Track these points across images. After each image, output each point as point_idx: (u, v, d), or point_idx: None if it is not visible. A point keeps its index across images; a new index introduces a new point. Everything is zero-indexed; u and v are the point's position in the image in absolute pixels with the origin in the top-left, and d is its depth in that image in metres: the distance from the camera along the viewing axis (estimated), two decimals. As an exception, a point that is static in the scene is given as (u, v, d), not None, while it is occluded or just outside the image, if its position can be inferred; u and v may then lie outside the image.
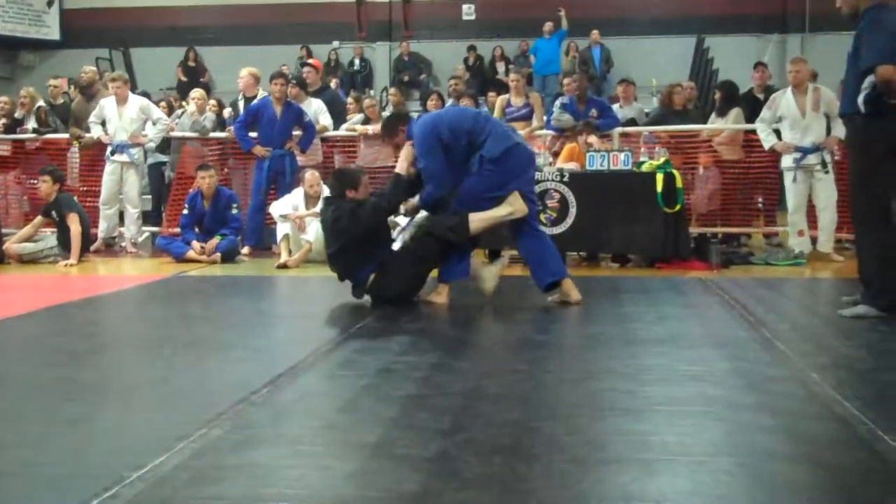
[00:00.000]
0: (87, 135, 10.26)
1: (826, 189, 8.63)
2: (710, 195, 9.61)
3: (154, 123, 10.12)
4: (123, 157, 10.00)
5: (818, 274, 7.98)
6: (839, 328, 5.14)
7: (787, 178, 8.80)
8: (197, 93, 10.96)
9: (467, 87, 12.82)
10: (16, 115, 10.83)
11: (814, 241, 8.80)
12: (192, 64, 18.61)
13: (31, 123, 10.74)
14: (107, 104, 10.14)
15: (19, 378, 4.16)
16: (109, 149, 10.01)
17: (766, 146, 8.97)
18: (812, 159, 8.49)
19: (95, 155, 10.39)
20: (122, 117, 10.01)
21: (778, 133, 8.84)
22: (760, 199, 10.18)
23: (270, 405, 3.50)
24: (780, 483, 2.60)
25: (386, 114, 10.46)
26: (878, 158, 5.22)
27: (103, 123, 10.13)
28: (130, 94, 10.31)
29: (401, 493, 2.51)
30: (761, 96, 10.28)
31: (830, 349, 4.70)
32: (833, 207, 8.61)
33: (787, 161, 8.75)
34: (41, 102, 10.92)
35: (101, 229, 10.02)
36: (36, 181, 9.69)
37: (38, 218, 9.35)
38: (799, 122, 8.53)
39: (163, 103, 11.38)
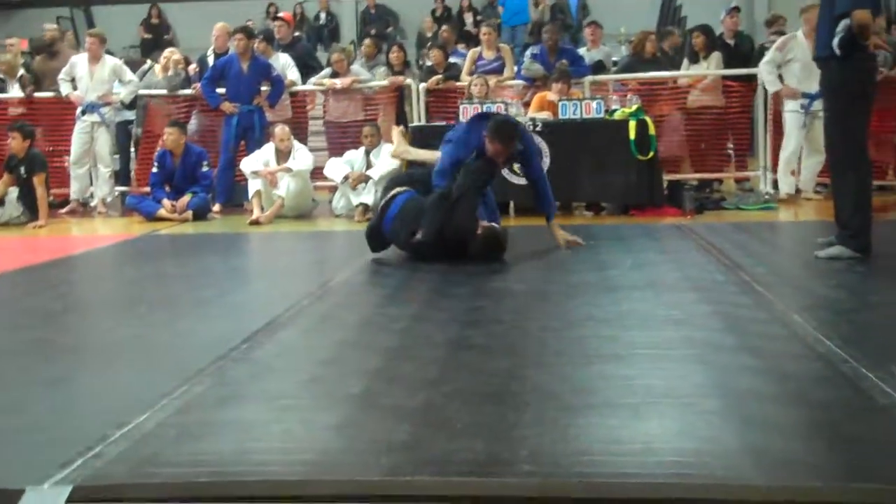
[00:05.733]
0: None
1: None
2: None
3: (125, 85, 9.84)
4: (94, 117, 9.71)
5: (790, 217, 8.01)
6: (816, 270, 5.17)
7: (791, 123, 8.76)
8: (169, 51, 10.68)
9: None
10: None
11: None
12: (155, 21, 18.19)
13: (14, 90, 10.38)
14: (79, 61, 9.82)
15: (-7, 341, 4.09)
16: (80, 108, 9.70)
17: (771, 89, 9.00)
18: (818, 105, 8.09)
19: (61, 113, 10.08)
20: (94, 77, 9.71)
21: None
22: (731, 145, 10.16)
23: (251, 361, 3.46)
24: (768, 422, 2.60)
25: (356, 66, 10.31)
26: (853, 100, 5.25)
27: (73, 81, 9.82)
28: (105, 54, 10.01)
29: (391, 443, 2.47)
30: (731, 42, 10.24)
31: (809, 290, 4.73)
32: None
33: (792, 105, 8.72)
34: (22, 71, 10.56)
35: (73, 190, 9.77)
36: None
37: (6, 176, 8.99)
38: (809, 66, 7.92)
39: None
